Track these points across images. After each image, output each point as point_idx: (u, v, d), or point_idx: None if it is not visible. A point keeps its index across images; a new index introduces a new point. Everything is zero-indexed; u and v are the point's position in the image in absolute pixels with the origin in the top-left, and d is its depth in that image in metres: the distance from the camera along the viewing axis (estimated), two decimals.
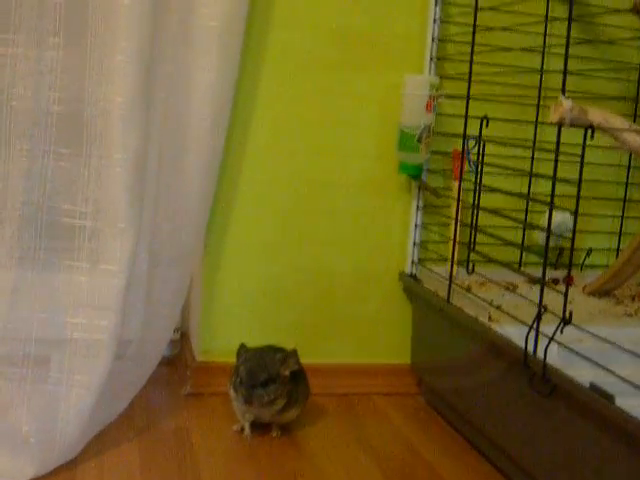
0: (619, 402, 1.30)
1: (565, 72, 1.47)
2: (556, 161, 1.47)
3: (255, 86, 1.99)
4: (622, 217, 2.24)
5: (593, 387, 1.35)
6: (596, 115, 1.45)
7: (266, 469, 1.68)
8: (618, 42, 2.12)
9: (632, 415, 1.26)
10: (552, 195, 1.50)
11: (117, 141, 1.67)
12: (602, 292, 1.97)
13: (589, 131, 1.43)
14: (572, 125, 1.44)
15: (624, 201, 2.24)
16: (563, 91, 1.46)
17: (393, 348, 2.16)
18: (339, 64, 2.03)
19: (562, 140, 1.48)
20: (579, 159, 1.42)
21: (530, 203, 2.11)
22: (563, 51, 1.47)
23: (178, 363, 2.21)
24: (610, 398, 1.31)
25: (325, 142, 2.06)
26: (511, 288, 1.94)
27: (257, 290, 2.07)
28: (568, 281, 1.56)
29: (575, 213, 1.47)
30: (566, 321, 1.44)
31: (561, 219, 2.00)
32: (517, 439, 1.62)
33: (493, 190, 1.81)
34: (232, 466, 1.71)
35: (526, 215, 2.09)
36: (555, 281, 2.00)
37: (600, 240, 2.25)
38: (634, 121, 2.11)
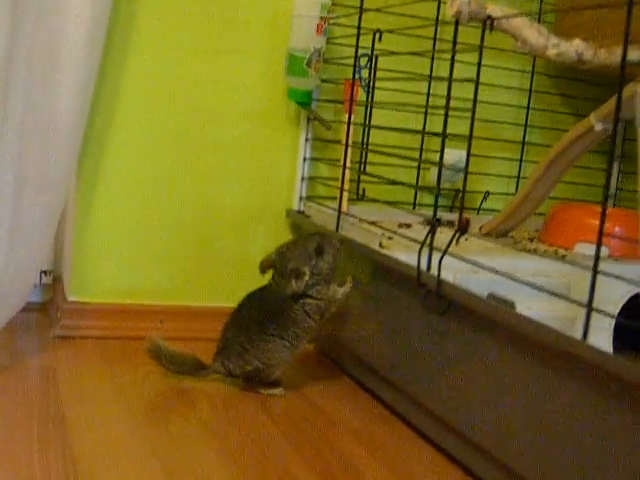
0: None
1: None
2: (452, 66, 1.38)
3: (133, 10, 1.83)
4: (520, 160, 2.17)
5: (492, 297, 1.25)
6: (496, 10, 1.35)
7: (135, 407, 1.54)
8: None
9: (533, 320, 1.15)
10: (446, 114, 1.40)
11: None
12: (499, 233, 1.87)
13: (488, 25, 1.33)
14: (470, 20, 1.34)
15: (523, 144, 2.17)
16: None
17: None
18: None
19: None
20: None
21: (426, 142, 2.02)
22: None
23: (50, 308, 2.03)
24: (510, 305, 1.21)
25: (208, 70, 1.91)
26: (404, 227, 1.85)
27: (135, 226, 1.91)
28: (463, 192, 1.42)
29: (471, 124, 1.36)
30: (463, 228, 1.33)
31: (457, 157, 1.90)
32: (411, 371, 1.51)
33: (384, 107, 1.71)
34: (98, 400, 1.56)
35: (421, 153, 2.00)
36: (451, 224, 1.89)
37: (498, 184, 2.18)
38: None
